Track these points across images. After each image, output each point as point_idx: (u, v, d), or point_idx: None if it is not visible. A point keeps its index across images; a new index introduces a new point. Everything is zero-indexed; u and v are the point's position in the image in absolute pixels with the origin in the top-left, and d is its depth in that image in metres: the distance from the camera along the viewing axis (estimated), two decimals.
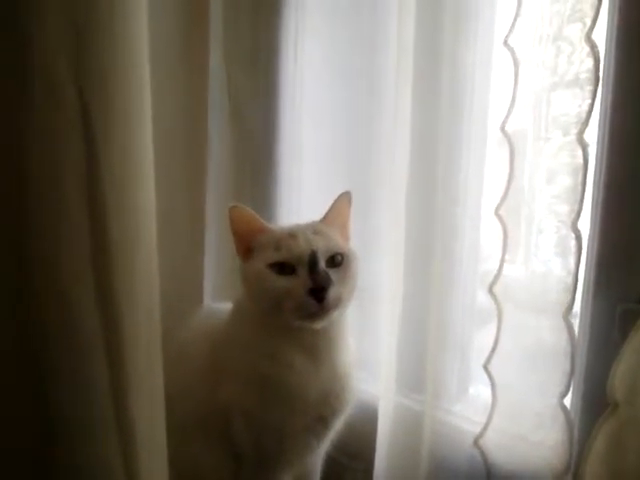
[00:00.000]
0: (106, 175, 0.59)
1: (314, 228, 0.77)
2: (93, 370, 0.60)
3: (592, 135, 0.70)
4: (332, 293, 0.71)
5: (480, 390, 0.91)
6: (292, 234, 0.75)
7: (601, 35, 0.67)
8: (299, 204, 1.10)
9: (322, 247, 0.74)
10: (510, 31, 0.71)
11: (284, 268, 0.73)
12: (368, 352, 0.93)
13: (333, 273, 0.73)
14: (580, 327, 0.75)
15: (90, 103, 0.57)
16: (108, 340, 0.60)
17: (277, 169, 1.14)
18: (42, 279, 0.58)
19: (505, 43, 0.72)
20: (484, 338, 0.85)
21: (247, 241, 0.77)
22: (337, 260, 0.75)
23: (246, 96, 1.14)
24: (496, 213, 0.76)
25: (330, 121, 1.08)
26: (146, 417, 0.64)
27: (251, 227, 0.77)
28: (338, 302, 0.72)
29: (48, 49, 0.56)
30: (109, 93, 0.59)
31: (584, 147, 0.68)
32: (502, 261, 0.76)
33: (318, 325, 0.73)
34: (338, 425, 0.81)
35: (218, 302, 1.02)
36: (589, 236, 0.73)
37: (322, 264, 0.73)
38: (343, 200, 0.80)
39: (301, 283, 0.71)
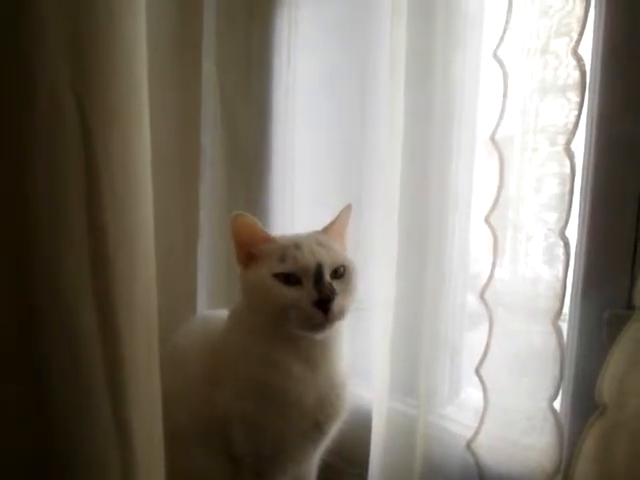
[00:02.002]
0: (105, 185, 0.59)
1: (317, 239, 0.78)
2: (91, 375, 0.60)
3: (579, 145, 0.72)
4: (336, 304, 0.72)
5: (471, 394, 0.92)
6: (297, 245, 0.76)
7: (587, 48, 0.69)
8: (292, 210, 1.11)
9: (327, 259, 0.75)
10: (499, 43, 0.73)
11: (289, 279, 0.74)
12: (361, 357, 0.93)
13: (336, 284, 0.74)
14: (569, 332, 0.76)
15: (89, 112, 0.58)
16: (106, 346, 0.60)
17: (270, 176, 1.15)
18: (42, 287, 0.58)
19: (494, 55, 0.73)
20: (475, 343, 0.86)
21: (248, 249, 0.77)
22: (340, 272, 0.77)
23: (239, 103, 1.14)
24: (486, 221, 0.77)
25: (323, 128, 1.09)
26: (144, 422, 0.64)
27: (253, 236, 0.77)
28: (342, 313, 0.74)
29: (47, 61, 0.56)
30: (108, 103, 0.59)
31: (571, 157, 0.69)
32: (493, 268, 0.78)
33: (321, 335, 0.74)
34: (334, 431, 0.82)
35: (212, 309, 1.03)
36: (577, 243, 0.75)
37: (327, 276, 0.74)
38: (347, 212, 0.82)
39: (307, 294, 0.72)
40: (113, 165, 0.60)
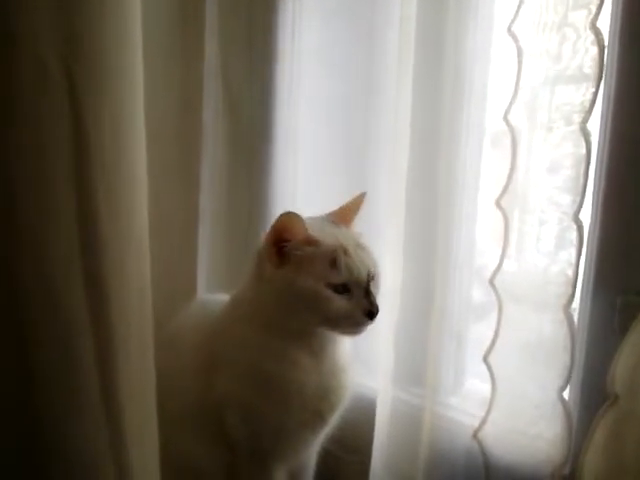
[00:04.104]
0: (96, 158, 0.57)
1: (355, 240, 0.77)
2: (80, 359, 0.58)
3: (594, 125, 0.69)
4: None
5: (476, 384, 0.91)
6: (345, 250, 0.74)
7: (605, 23, 0.67)
8: (295, 194, 1.08)
9: (371, 267, 0.76)
10: (514, 18, 0.70)
11: (338, 287, 0.73)
12: (366, 345, 0.92)
13: (372, 287, 0.75)
14: (579, 319, 0.74)
15: (78, 84, 0.55)
16: (97, 329, 0.59)
17: (273, 159, 1.12)
18: (28, 264, 0.56)
19: (509, 30, 0.71)
20: (481, 331, 0.84)
21: (284, 249, 0.74)
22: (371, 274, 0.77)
23: (242, 85, 1.12)
24: (497, 204, 0.75)
25: (327, 110, 1.06)
26: (137, 409, 0.63)
27: (297, 237, 0.73)
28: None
29: (34, 28, 0.53)
30: (98, 74, 0.56)
31: (587, 136, 0.67)
32: (504, 252, 0.76)
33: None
34: (334, 419, 0.81)
35: (211, 293, 1.01)
36: (589, 227, 0.72)
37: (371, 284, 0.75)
38: (359, 200, 0.81)
39: (359, 305, 0.73)
40: (104, 142, 0.57)
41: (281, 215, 0.72)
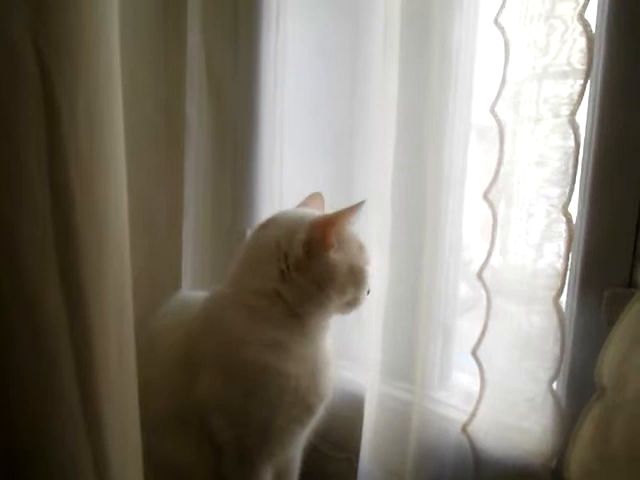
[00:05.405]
0: (70, 148, 0.54)
1: None
2: (57, 361, 0.56)
3: (582, 117, 0.69)
4: None
5: (463, 377, 0.91)
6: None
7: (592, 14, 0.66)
8: (280, 187, 1.07)
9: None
10: (501, 9, 0.69)
11: None
12: (354, 341, 0.91)
13: None
14: (567, 311, 0.74)
15: (51, 66, 0.52)
16: (73, 330, 0.56)
17: (258, 151, 1.10)
18: (3, 263, 0.54)
19: (496, 22, 0.70)
20: (468, 325, 0.84)
21: (337, 233, 0.75)
22: None
23: (226, 76, 1.09)
24: (485, 197, 0.74)
25: (313, 100, 1.05)
26: (118, 410, 0.61)
27: (349, 222, 0.75)
28: None
29: (5, 11, 0.50)
30: (73, 56, 0.53)
31: (575, 128, 0.66)
32: (492, 245, 0.75)
33: None
34: (321, 413, 0.80)
35: (191, 291, 0.99)
36: (576, 220, 0.72)
37: None
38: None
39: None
40: (79, 131, 0.54)
41: (360, 202, 0.73)
